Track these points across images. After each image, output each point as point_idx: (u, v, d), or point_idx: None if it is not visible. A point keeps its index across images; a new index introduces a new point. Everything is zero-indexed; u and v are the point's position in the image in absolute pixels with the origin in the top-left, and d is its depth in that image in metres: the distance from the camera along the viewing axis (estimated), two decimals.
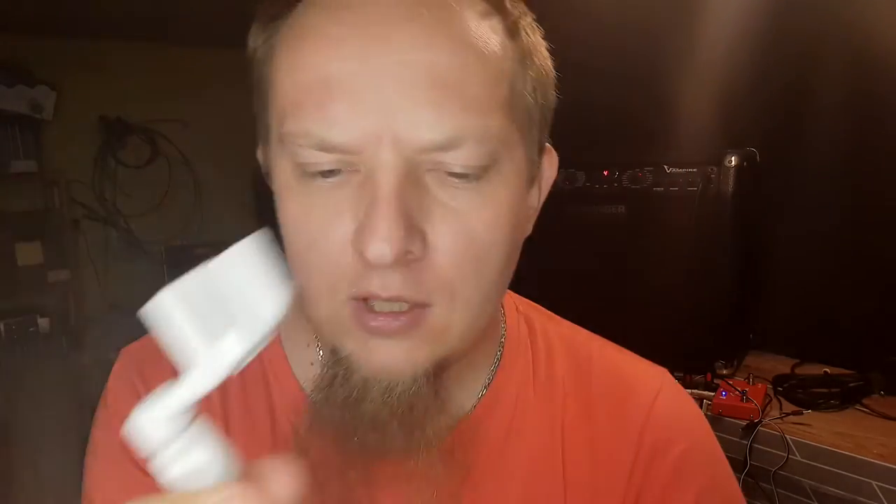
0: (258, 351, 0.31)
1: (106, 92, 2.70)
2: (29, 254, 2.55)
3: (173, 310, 0.29)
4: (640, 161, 1.59)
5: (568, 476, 0.52)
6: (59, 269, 2.62)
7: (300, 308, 0.55)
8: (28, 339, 2.50)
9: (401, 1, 0.39)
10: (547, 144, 0.49)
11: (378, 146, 0.38)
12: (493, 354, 0.55)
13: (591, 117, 1.35)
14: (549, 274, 1.07)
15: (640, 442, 0.53)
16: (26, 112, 2.49)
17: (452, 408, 0.47)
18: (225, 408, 0.53)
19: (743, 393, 1.39)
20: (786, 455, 1.29)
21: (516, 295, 0.60)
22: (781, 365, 1.61)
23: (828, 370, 1.51)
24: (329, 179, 0.40)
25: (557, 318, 0.61)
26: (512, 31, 0.43)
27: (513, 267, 0.46)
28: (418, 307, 0.41)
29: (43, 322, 2.55)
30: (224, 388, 0.53)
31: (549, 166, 0.50)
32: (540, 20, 0.47)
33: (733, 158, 1.48)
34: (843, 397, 1.40)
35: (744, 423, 1.35)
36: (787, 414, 1.35)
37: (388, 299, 0.40)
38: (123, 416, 0.29)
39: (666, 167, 1.55)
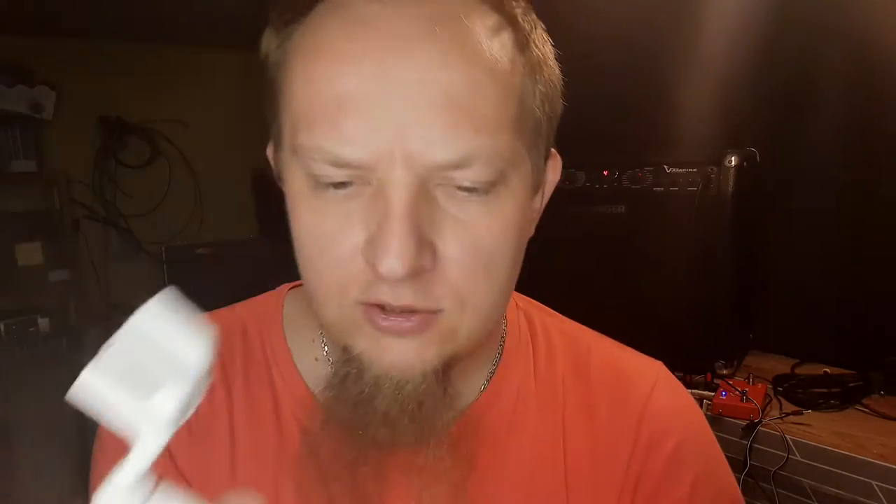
0: (200, 397, 0.33)
1: (106, 92, 2.70)
2: (29, 254, 2.55)
3: (98, 387, 0.30)
4: (640, 161, 1.59)
5: (569, 466, 0.54)
6: (59, 269, 2.62)
7: (305, 306, 0.56)
8: (28, 339, 2.50)
9: (415, 18, 0.40)
10: (552, 150, 0.50)
11: (391, 164, 0.39)
12: (495, 350, 0.57)
13: (592, 117, 1.34)
14: (549, 274, 1.06)
15: (637, 432, 0.55)
16: (26, 112, 2.49)
17: (458, 402, 0.49)
18: (229, 408, 0.54)
19: (743, 393, 1.39)
20: (786, 455, 1.29)
21: (515, 292, 0.60)
22: (781, 365, 1.61)
23: (828, 370, 1.51)
24: (341, 191, 0.41)
25: (556, 314, 0.63)
26: (523, 44, 0.43)
27: (518, 270, 0.48)
28: (429, 312, 0.43)
29: (43, 322, 2.55)
30: (228, 388, 0.54)
31: (553, 171, 0.51)
32: (539, 19, 0.47)
33: (733, 158, 1.48)
34: (843, 397, 1.39)
35: (744, 423, 1.35)
36: (787, 414, 1.35)
37: (400, 308, 0.42)
38: None
39: (666, 167, 1.55)
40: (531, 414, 0.55)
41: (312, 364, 0.55)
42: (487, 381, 0.55)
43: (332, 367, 0.50)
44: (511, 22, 0.43)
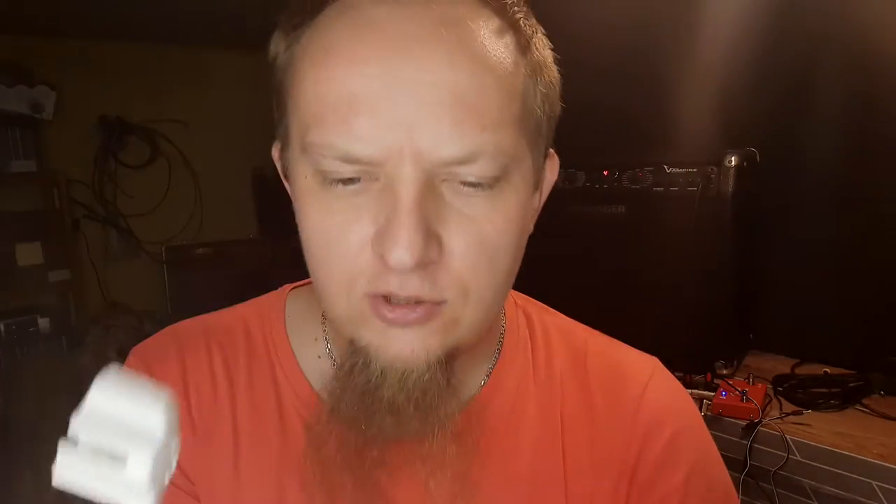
0: (175, 453, 0.35)
1: (106, 92, 2.71)
2: (29, 254, 2.55)
3: (72, 474, 0.32)
4: (640, 161, 1.59)
5: (568, 457, 0.55)
6: (59, 269, 2.62)
7: (307, 306, 0.58)
8: (28, 339, 2.50)
9: (422, 20, 0.42)
10: (551, 150, 0.52)
11: (400, 160, 0.41)
12: (494, 345, 0.58)
13: (592, 117, 1.34)
14: (549, 273, 1.07)
15: (634, 425, 0.56)
16: (26, 112, 2.49)
17: (461, 393, 0.50)
18: (233, 406, 0.55)
19: (743, 393, 1.39)
20: (786, 455, 1.29)
21: (514, 290, 0.61)
22: (781, 365, 1.61)
23: (828, 370, 1.51)
24: (349, 187, 0.43)
25: (554, 311, 0.64)
26: (524, 47, 0.45)
27: (518, 264, 0.49)
28: (434, 303, 0.44)
29: (43, 322, 2.55)
30: (231, 387, 0.55)
31: (552, 170, 0.53)
32: (540, 20, 0.48)
33: (733, 158, 1.48)
34: (843, 397, 1.39)
35: (744, 423, 1.35)
36: (787, 414, 1.35)
37: (406, 298, 0.43)
38: None
39: (666, 167, 1.55)
40: (531, 407, 0.57)
41: (315, 362, 0.56)
42: (487, 375, 0.57)
43: (335, 364, 0.51)
44: (513, 26, 0.45)
